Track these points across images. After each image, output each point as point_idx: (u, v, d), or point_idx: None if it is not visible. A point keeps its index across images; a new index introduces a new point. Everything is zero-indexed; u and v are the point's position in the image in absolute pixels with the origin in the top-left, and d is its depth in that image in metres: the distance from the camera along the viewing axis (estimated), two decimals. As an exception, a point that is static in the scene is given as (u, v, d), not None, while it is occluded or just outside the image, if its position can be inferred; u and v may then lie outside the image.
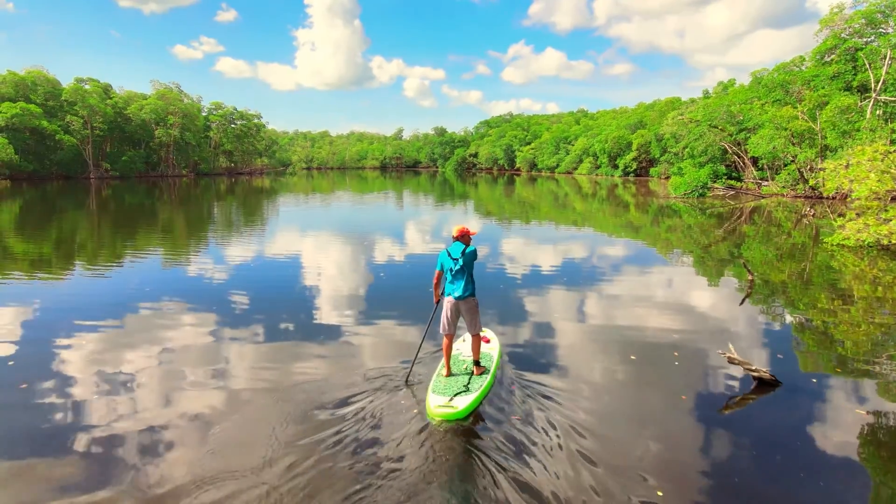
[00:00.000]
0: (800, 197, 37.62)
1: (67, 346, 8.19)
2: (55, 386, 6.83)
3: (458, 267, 6.71)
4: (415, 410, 6.08)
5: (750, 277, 12.46)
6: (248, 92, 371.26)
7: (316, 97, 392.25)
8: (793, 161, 38.76)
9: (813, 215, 26.71)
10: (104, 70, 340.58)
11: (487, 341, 7.77)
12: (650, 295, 11.58)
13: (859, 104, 35.07)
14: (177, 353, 7.90)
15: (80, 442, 5.56)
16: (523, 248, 17.87)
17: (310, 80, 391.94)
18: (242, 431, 5.74)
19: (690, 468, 5.14)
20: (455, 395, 6.19)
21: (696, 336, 8.84)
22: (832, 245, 17.33)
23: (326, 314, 9.99)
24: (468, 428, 5.74)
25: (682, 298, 11.34)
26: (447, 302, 6.80)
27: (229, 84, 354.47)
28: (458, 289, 6.73)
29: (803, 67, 47.37)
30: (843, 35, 42.12)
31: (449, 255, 6.77)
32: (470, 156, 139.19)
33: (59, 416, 6.10)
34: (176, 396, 6.54)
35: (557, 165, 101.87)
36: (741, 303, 10.72)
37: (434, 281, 7.01)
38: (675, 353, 8.00)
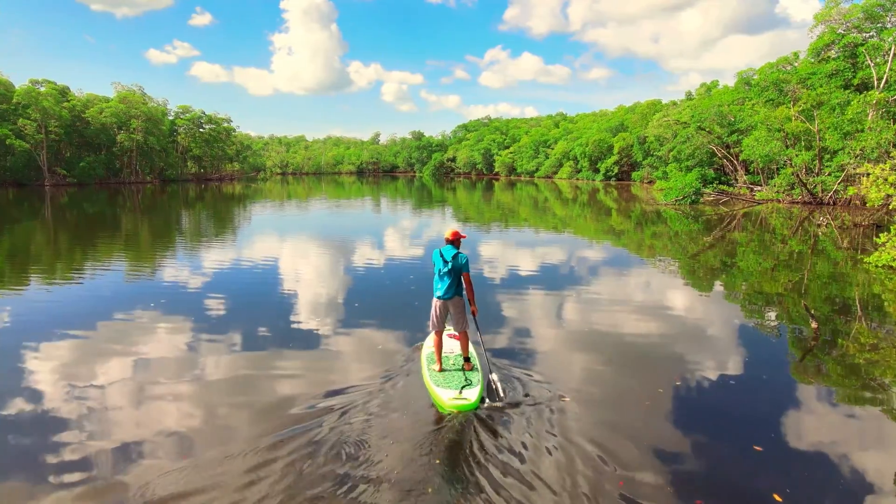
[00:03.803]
0: (796, 202, 36.78)
1: (35, 360, 8.19)
2: (23, 402, 6.86)
3: (446, 269, 7.16)
4: (420, 406, 6.58)
5: (814, 326, 9.67)
6: (225, 97, 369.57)
7: (294, 102, 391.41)
8: (788, 164, 37.92)
9: (826, 224, 25.43)
10: (78, 76, 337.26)
11: (457, 338, 8.15)
12: (630, 299, 11.99)
13: (865, 104, 33.52)
14: (150, 365, 7.96)
15: (51, 458, 5.60)
16: (502, 252, 18.16)
17: (287, 84, 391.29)
18: (221, 444, 5.83)
19: (677, 461, 5.46)
20: (462, 387, 6.72)
21: (679, 340, 9.23)
22: (876, 265, 15.12)
23: (306, 318, 10.14)
24: (479, 416, 6.30)
25: (664, 302, 11.77)
26: (436, 301, 7.27)
27: (205, 89, 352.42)
28: (442, 288, 7.20)
29: (797, 64, 45.88)
30: (839, 31, 40.90)
31: (441, 255, 7.21)
32: (448, 160, 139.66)
33: (26, 432, 6.13)
34: (150, 409, 6.62)
35: (537, 169, 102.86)
36: (801, 359, 8.40)
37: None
38: (651, 355, 8.41)
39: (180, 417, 6.37)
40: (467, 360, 7.38)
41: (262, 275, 14.65)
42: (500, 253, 18.32)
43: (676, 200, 39.14)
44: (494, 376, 6.93)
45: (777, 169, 42.13)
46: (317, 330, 9.54)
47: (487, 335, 8.97)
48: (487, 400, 6.65)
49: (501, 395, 6.71)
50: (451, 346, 8.03)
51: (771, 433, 6.07)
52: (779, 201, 38.51)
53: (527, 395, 6.74)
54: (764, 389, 7.23)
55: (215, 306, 11.23)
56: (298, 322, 10.06)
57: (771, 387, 7.32)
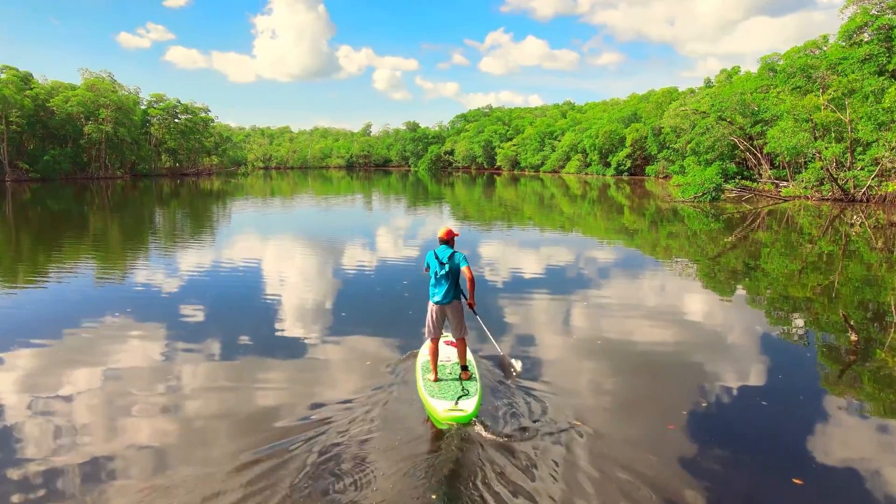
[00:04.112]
0: (826, 199, 36.35)
1: (-5, 370, 8.23)
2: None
3: (443, 272, 7.20)
4: (415, 418, 6.58)
5: (854, 338, 9.53)
6: (202, 84, 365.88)
7: (278, 90, 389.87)
8: (817, 158, 37.20)
9: (859, 223, 25.23)
10: (42, 62, 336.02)
11: (455, 345, 8.11)
12: (644, 304, 12.06)
13: None
14: (121, 376, 7.97)
15: (13, 475, 5.60)
16: (504, 253, 18.23)
17: (270, 70, 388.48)
18: (197, 462, 5.84)
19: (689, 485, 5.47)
20: (458, 398, 6.75)
21: (700, 351, 9.27)
22: None
23: (291, 326, 10.18)
24: (477, 429, 6.34)
25: (681, 308, 11.82)
26: (433, 307, 7.32)
27: (181, 76, 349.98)
28: (439, 293, 7.25)
29: (826, 49, 45.28)
30: (872, 12, 40.21)
31: (436, 257, 7.27)
32: (445, 153, 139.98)
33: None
34: (121, 424, 6.63)
35: (542, 163, 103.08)
36: (841, 375, 8.26)
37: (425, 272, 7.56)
38: (668, 367, 8.44)
39: (153, 433, 6.38)
40: (465, 368, 7.42)
41: (242, 279, 14.68)
42: (502, 254, 18.36)
43: (695, 197, 38.73)
44: (505, 355, 7.59)
45: (805, 163, 41.61)
46: (302, 338, 9.56)
47: (487, 344, 9.03)
48: (507, 381, 7.54)
49: (518, 368, 7.66)
50: (448, 354, 8.06)
51: (811, 464, 5.83)
52: (807, 198, 38.20)
53: (535, 421, 6.53)
54: (801, 411, 7.00)
55: (192, 313, 11.25)
56: (282, 330, 10.08)
57: (809, 408, 7.11)
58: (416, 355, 8.30)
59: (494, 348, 8.26)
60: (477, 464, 5.68)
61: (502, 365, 7.98)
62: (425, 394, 6.90)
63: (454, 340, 7.68)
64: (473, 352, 8.31)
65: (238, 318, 10.86)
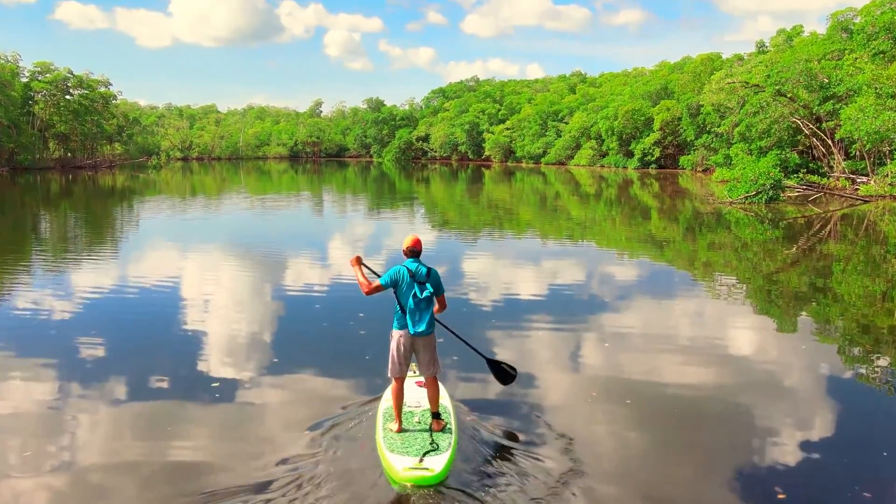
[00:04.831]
0: None
1: None
2: None
3: (426, 294, 7.18)
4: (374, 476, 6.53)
5: None
6: (103, 50, 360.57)
7: (200, 58, 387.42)
8: None
9: None
10: None
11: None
12: (676, 335, 12.14)
13: None
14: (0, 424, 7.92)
15: None
16: (495, 271, 18.30)
17: (191, 33, 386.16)
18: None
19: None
20: (424, 454, 6.65)
21: (747, 399, 9.32)
22: None
23: (217, 365, 10.12)
24: (446, 494, 6.21)
25: (725, 342, 11.93)
26: (400, 337, 7.27)
27: (75, 39, 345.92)
28: (421, 322, 7.20)
29: None
30: None
31: (411, 274, 7.22)
32: (418, 139, 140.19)
33: None
34: (-4, 492, 6.57)
35: (545, 153, 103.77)
36: None
37: (365, 288, 7.35)
38: (708, 417, 8.48)
39: (37, 502, 6.30)
40: (437, 416, 7.37)
41: (154, 304, 14.57)
42: (491, 271, 18.45)
43: (746, 197, 37.68)
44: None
45: (890, 152, 41.54)
46: (231, 380, 9.49)
47: (471, 384, 9.05)
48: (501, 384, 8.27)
49: (512, 370, 8.28)
50: (417, 398, 7.99)
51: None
52: (893, 198, 38.28)
53: (530, 493, 6.35)
54: (889, 471, 6.94)
55: (90, 346, 11.12)
56: (206, 370, 10.01)
57: None
58: (379, 400, 8.24)
59: (474, 379, 8.49)
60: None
61: (495, 369, 8.31)
62: (383, 448, 6.85)
63: (424, 380, 7.65)
64: (450, 394, 8.29)
65: (149, 354, 10.75)
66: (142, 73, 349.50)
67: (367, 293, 7.33)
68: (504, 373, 8.27)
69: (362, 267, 7.64)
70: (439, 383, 7.59)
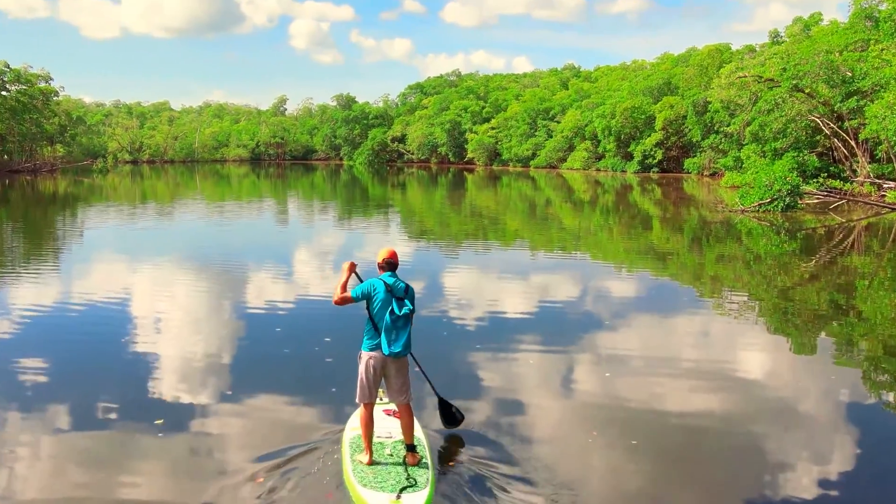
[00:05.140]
0: None
1: None
2: None
3: (405, 311, 7.16)
4: None
5: None
6: (44, 42, 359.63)
7: (152, 50, 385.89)
8: None
9: None
10: None
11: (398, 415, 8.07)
12: (679, 359, 12.17)
13: None
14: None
15: None
16: (479, 286, 18.35)
17: (142, 23, 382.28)
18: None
19: None
20: (402, 489, 6.67)
21: (759, 429, 9.36)
22: None
23: (167, 392, 10.09)
24: None
25: (735, 366, 12.00)
26: (372, 359, 7.24)
27: (14, 28, 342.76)
28: (398, 342, 7.18)
29: None
30: None
31: (388, 288, 7.23)
32: (393, 140, 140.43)
33: None
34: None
35: (534, 155, 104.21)
36: None
37: (337, 296, 7.37)
38: (718, 451, 8.53)
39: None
40: (412, 448, 7.37)
41: (100, 323, 14.50)
42: (475, 286, 18.51)
43: (760, 205, 37.49)
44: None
45: None
46: (182, 410, 9.48)
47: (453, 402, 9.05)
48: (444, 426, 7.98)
49: (460, 415, 8.30)
50: (388, 429, 8.01)
51: None
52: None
53: None
54: None
55: (29, 371, 11.06)
56: (155, 397, 9.98)
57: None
58: (343, 431, 8.22)
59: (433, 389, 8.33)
60: None
61: (442, 410, 8.39)
62: (354, 482, 6.85)
63: (394, 409, 7.66)
64: (423, 425, 8.31)
65: (94, 379, 10.73)
66: (87, 67, 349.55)
67: (336, 303, 7.36)
68: (451, 416, 8.39)
69: (353, 274, 7.62)
70: (412, 411, 7.58)
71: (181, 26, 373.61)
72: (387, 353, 7.16)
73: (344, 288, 7.41)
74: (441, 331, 13.66)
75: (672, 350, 12.66)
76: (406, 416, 7.38)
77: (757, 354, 12.50)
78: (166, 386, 10.55)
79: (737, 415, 9.53)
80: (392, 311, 7.13)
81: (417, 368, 8.12)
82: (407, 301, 7.21)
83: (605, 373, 11.24)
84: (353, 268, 7.61)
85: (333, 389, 10.23)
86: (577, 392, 10.45)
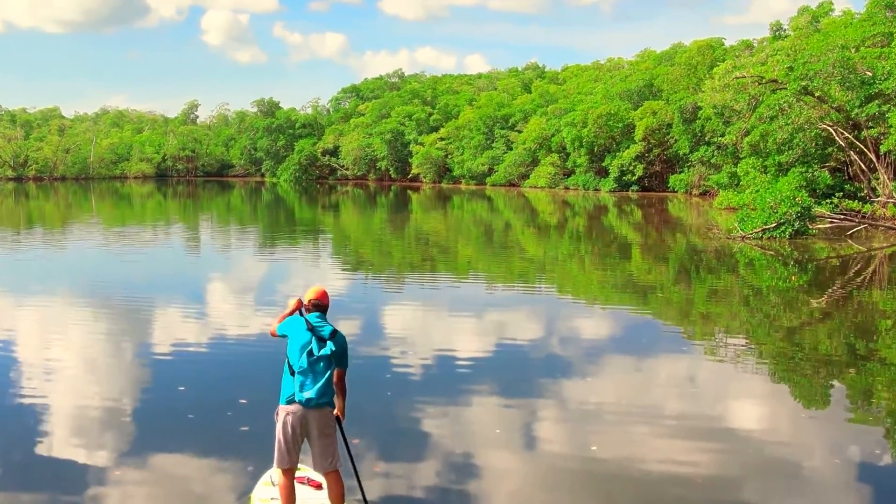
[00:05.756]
0: None
1: None
2: None
3: (325, 352, 7.07)
4: None
5: None
6: None
7: (41, 46, 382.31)
8: None
9: None
10: None
11: (320, 487, 7.98)
12: (663, 410, 12.20)
13: None
14: None
15: None
16: (426, 325, 18.41)
17: (27, 16, 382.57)
18: None
19: None
20: None
21: (756, 491, 9.41)
22: None
23: (60, 448, 10.01)
24: None
25: (730, 419, 12.10)
26: (290, 415, 7.07)
27: None
28: (312, 387, 7.04)
29: None
30: None
31: (310, 327, 7.14)
32: (325, 153, 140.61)
33: None
34: None
35: (490, 171, 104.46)
36: None
37: (272, 328, 7.57)
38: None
39: None
40: None
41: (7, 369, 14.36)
42: (420, 325, 18.57)
43: (764, 230, 36.82)
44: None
45: None
46: (72, 465, 9.35)
47: (393, 480, 8.95)
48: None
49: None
50: (309, 501, 7.88)
51: None
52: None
53: None
54: None
55: None
56: (42, 452, 9.88)
57: None
58: (249, 501, 8.12)
59: (393, 472, 8.42)
60: None
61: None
62: None
63: (317, 478, 7.62)
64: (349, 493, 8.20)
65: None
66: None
67: (271, 333, 7.60)
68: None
69: (299, 313, 7.46)
70: (342, 480, 7.38)
71: (75, 19, 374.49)
72: (300, 400, 7.02)
73: (279, 322, 7.51)
74: (381, 374, 13.67)
75: (654, 402, 12.63)
76: (335, 486, 7.23)
77: (756, 408, 12.53)
78: (54, 439, 10.42)
79: (730, 482, 9.47)
80: (310, 353, 7.06)
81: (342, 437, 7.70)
82: (330, 343, 7.10)
83: (574, 428, 11.26)
84: (299, 305, 7.51)
85: (251, 469, 9.40)
86: (542, 452, 10.42)
